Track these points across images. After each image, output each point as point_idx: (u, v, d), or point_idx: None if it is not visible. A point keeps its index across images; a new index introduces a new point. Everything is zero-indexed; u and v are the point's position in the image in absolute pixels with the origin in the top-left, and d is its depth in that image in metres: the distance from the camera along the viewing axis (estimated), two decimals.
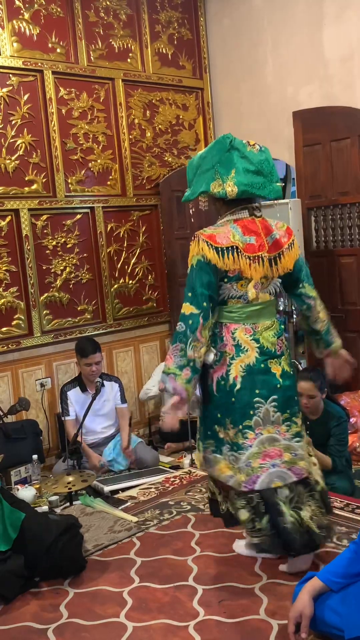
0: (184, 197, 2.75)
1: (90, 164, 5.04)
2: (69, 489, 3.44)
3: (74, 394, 4.44)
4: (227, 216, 2.69)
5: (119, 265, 5.23)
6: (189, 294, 2.55)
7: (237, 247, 2.57)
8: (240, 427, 2.59)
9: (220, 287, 2.61)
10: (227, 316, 2.65)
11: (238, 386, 2.59)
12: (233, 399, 2.60)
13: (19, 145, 4.62)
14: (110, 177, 5.18)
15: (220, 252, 2.55)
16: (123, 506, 3.65)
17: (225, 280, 2.60)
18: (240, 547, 2.99)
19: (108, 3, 5.11)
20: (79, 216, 4.99)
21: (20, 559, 2.77)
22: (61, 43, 4.82)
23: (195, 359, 2.53)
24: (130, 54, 5.27)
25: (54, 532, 2.81)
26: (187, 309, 2.54)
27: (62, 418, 4.48)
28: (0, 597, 2.71)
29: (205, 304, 2.54)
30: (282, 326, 2.75)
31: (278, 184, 2.67)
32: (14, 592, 2.73)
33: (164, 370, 2.56)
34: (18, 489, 3.89)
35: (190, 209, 2.93)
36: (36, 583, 2.84)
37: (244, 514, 2.64)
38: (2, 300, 4.57)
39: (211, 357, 2.63)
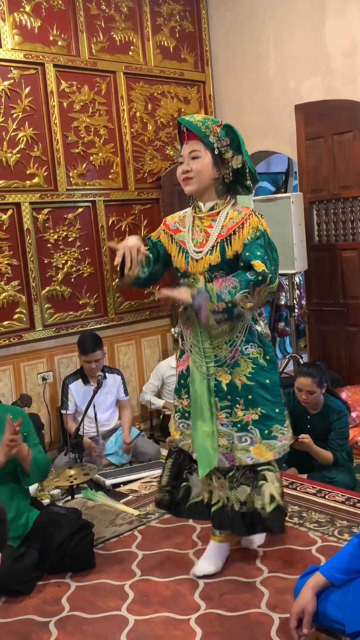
0: (254, 172, 2.67)
1: (91, 158, 5.02)
2: (71, 482, 3.45)
3: (75, 387, 4.46)
4: (234, 198, 2.72)
5: None
6: (258, 253, 2.50)
7: None
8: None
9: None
10: None
11: None
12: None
13: (20, 138, 4.60)
14: (112, 170, 5.17)
15: None
16: (124, 499, 3.66)
17: None
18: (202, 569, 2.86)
19: None
20: (80, 210, 4.98)
21: (34, 555, 2.82)
22: (62, 36, 4.80)
23: (236, 305, 2.48)
24: (132, 47, 5.25)
25: (67, 531, 2.85)
26: (261, 266, 2.48)
27: (62, 411, 4.50)
28: (18, 592, 2.73)
29: (275, 268, 2.54)
30: None
31: None
32: (31, 587, 2.77)
33: (207, 286, 2.51)
34: None
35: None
36: (41, 576, 2.86)
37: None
38: (4, 294, 4.57)
39: (267, 330, 2.73)
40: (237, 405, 2.66)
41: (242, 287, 2.47)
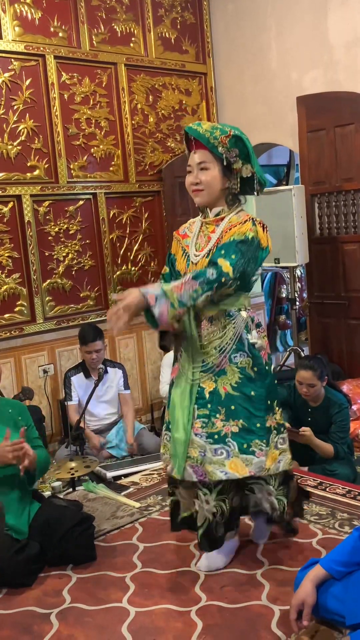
0: (264, 182, 2.65)
1: (92, 150, 5.01)
2: (72, 474, 3.45)
3: (77, 380, 4.46)
4: (240, 205, 2.69)
5: (121, 252, 5.22)
6: (233, 256, 2.44)
7: None
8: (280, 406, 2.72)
9: (257, 271, 2.60)
10: (248, 303, 2.67)
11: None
12: (274, 381, 2.70)
13: (21, 130, 4.59)
14: (113, 162, 5.16)
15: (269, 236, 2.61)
16: (125, 492, 3.67)
17: (263, 262, 2.63)
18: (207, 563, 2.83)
19: None
20: (81, 202, 4.97)
21: (36, 547, 2.81)
22: (63, 27, 4.78)
23: (196, 310, 2.45)
24: (133, 39, 5.23)
25: (69, 523, 2.85)
26: (227, 268, 2.43)
27: (65, 403, 4.51)
28: (19, 584, 2.74)
29: (239, 276, 2.47)
30: None
31: None
32: (32, 579, 2.77)
33: (164, 289, 2.42)
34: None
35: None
36: (42, 568, 2.87)
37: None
38: (5, 287, 4.56)
39: (260, 342, 2.62)
40: (217, 415, 2.55)
41: (204, 290, 2.40)
